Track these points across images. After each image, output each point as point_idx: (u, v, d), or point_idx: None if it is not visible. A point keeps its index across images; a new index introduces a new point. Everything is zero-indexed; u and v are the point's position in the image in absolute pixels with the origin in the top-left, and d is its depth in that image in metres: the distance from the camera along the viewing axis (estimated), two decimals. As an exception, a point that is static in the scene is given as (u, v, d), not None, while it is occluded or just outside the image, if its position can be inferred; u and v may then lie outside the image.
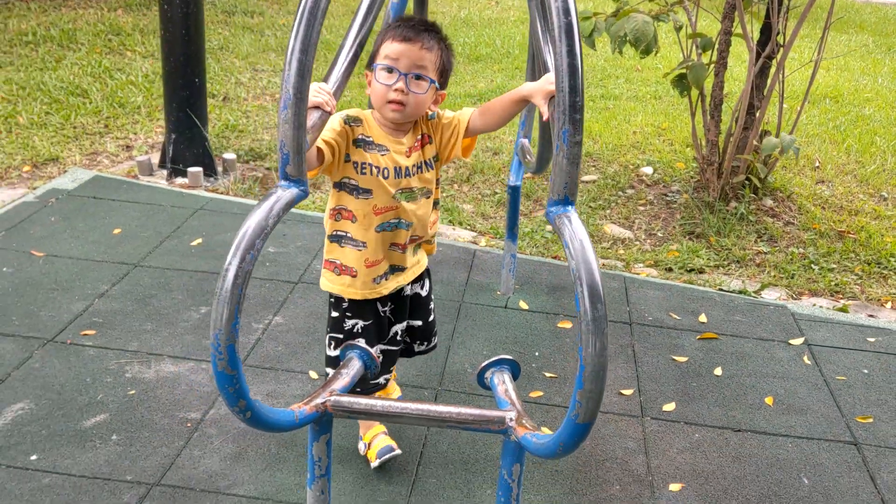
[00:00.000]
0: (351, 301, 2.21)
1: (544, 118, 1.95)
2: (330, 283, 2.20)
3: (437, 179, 2.23)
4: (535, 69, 2.93)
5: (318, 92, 1.84)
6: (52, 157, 4.66)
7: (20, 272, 3.35)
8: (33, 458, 2.37)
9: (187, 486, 2.31)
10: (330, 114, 1.90)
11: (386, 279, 2.21)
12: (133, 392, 2.68)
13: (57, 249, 3.55)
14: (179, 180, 4.43)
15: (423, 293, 2.38)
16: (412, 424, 2.56)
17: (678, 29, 4.04)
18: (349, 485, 2.36)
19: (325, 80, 2.00)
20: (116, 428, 2.52)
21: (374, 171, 2.07)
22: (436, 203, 2.27)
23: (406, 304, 2.33)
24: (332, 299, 2.24)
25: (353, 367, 2.01)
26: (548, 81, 1.92)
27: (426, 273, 2.38)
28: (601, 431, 2.66)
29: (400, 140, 2.10)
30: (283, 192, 1.66)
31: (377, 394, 2.35)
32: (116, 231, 3.76)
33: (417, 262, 2.31)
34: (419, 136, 2.13)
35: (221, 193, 4.33)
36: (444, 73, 2.09)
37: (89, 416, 2.56)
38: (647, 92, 6.77)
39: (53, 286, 3.26)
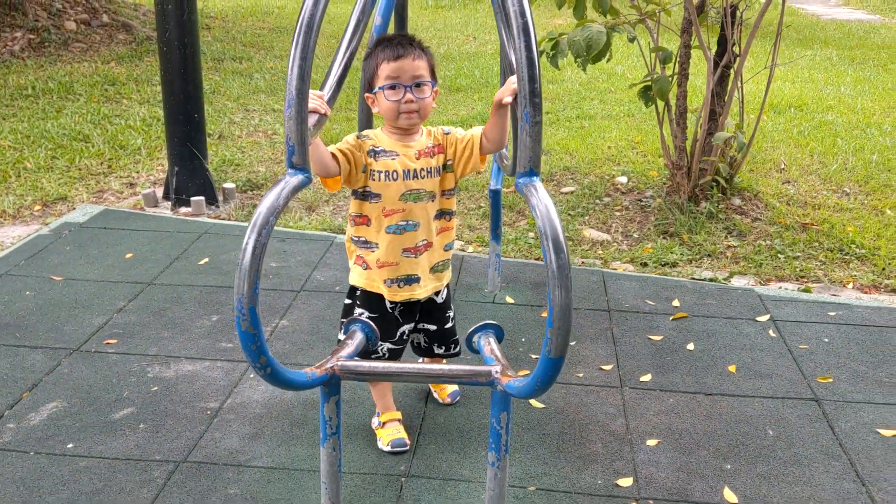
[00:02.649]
0: (363, 292, 2.51)
1: (505, 102, 2.28)
2: (357, 276, 2.51)
3: (451, 190, 2.50)
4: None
5: (313, 98, 2.14)
6: (60, 196, 4.94)
7: (42, 294, 3.61)
8: (70, 446, 2.62)
9: (211, 462, 2.56)
10: (325, 115, 2.20)
11: (399, 286, 2.47)
12: (156, 388, 2.94)
13: (74, 274, 3.82)
14: (183, 209, 4.72)
15: (439, 300, 2.62)
16: (412, 382, 2.85)
17: (632, 40, 4.39)
18: (357, 452, 2.62)
19: (322, 87, 2.30)
20: (143, 418, 2.77)
21: (384, 175, 2.37)
22: (451, 214, 2.53)
23: (416, 307, 2.58)
24: (350, 290, 2.56)
25: (357, 338, 2.28)
26: (510, 82, 2.24)
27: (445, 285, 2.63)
28: (583, 400, 2.93)
29: (408, 144, 2.41)
30: (291, 178, 1.95)
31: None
32: (128, 255, 4.03)
33: (435, 279, 2.54)
34: (431, 145, 2.43)
35: (223, 219, 4.62)
36: (433, 72, 2.41)
37: (117, 409, 2.82)
38: (620, 110, 7.12)
39: (74, 305, 3.53)
